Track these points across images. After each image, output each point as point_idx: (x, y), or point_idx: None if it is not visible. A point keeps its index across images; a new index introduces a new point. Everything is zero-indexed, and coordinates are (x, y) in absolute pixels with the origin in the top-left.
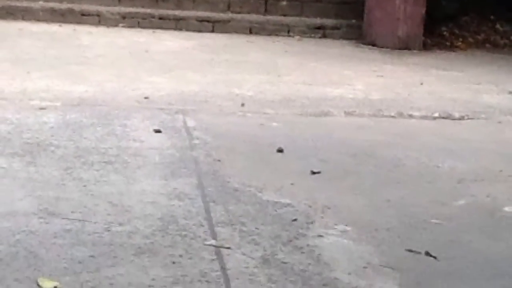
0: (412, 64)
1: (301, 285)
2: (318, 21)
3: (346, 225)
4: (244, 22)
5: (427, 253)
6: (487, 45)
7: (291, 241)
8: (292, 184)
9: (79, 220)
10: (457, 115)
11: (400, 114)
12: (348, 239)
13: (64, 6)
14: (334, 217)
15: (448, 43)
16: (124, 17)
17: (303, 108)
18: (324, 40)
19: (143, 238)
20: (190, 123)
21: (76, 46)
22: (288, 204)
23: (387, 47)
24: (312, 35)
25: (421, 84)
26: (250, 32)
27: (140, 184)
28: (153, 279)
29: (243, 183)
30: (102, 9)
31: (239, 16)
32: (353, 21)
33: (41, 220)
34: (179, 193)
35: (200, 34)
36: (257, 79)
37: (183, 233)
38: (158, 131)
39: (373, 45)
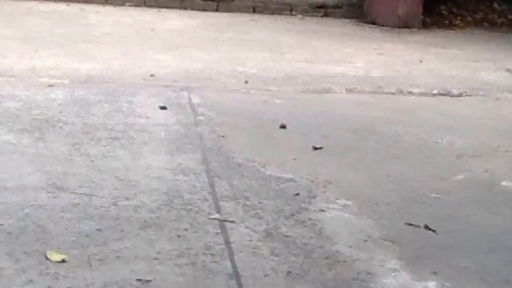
0: (412, 42)
1: (304, 258)
2: (320, 0)
3: (347, 200)
4: (248, 1)
5: (426, 227)
6: (485, 23)
7: (293, 215)
8: (294, 159)
9: (87, 195)
10: (455, 92)
11: (400, 91)
12: (349, 213)
13: None
14: (336, 191)
15: (446, 22)
16: None
17: (305, 85)
18: (325, 19)
19: (149, 212)
20: (195, 100)
21: (84, 25)
22: (291, 179)
23: (387, 26)
24: (314, 14)
25: (421, 61)
26: (254, 11)
27: (146, 159)
28: (158, 252)
29: (247, 159)
30: None
31: None
32: (354, 0)
33: (50, 194)
34: (184, 168)
35: (204, 13)
36: (260, 57)
37: (188, 207)
38: (163, 108)
39: (374, 23)
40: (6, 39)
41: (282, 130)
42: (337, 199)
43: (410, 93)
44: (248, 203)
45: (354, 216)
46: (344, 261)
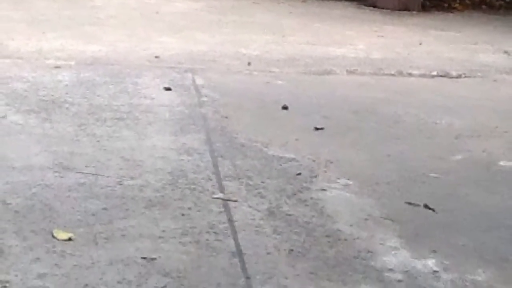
0: (412, 25)
1: (305, 236)
2: None
3: (348, 179)
4: None
5: (426, 206)
6: (483, 6)
7: (295, 194)
8: (296, 139)
9: (93, 174)
10: (454, 73)
11: (400, 73)
12: (350, 193)
13: None
14: (337, 171)
15: (446, 5)
16: None
17: (307, 67)
18: (327, 2)
19: (153, 191)
20: (199, 81)
21: (90, 8)
22: (293, 159)
23: (387, 9)
24: None
25: (420, 44)
26: None
27: (151, 139)
28: (163, 231)
29: (250, 139)
30: None
31: None
32: None
33: (56, 174)
34: (188, 148)
35: None
36: (263, 39)
37: (192, 186)
38: (168, 89)
39: (374, 6)
40: (14, 21)
41: (284, 111)
42: (338, 178)
43: (410, 74)
44: (251, 182)
45: (355, 195)
46: (345, 240)
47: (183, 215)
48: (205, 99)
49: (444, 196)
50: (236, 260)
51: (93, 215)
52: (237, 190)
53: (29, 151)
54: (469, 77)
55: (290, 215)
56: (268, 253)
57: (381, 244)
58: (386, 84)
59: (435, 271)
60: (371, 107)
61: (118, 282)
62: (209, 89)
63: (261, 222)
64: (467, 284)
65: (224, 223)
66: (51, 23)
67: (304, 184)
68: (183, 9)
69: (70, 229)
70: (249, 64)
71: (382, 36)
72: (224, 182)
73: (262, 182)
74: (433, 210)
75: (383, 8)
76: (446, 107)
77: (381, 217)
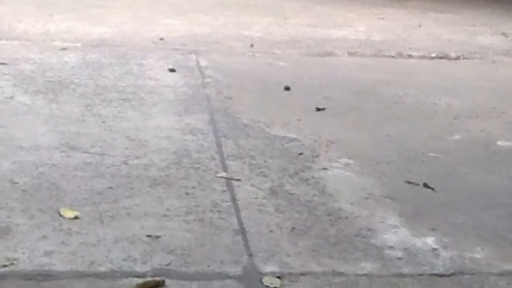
0: (411, 7)
1: (307, 214)
2: None
3: (349, 159)
4: None
5: (425, 185)
6: None
7: (297, 173)
8: (298, 120)
9: (99, 154)
10: (453, 55)
11: (400, 54)
12: (351, 172)
13: None
14: (338, 151)
15: None
16: None
17: (309, 49)
18: None
19: (158, 170)
20: (203, 62)
21: None
22: (295, 139)
23: None
24: None
25: (420, 26)
26: None
27: (156, 120)
28: (167, 209)
29: (252, 119)
30: None
31: None
32: None
33: (63, 153)
34: (192, 129)
35: None
36: (265, 21)
37: (196, 166)
38: (172, 70)
39: None
40: (22, 4)
41: (286, 91)
42: (339, 158)
43: (410, 56)
44: (253, 162)
45: (356, 175)
46: (346, 218)
47: (187, 194)
48: (208, 80)
49: (443, 175)
50: (239, 238)
51: (99, 194)
52: (240, 169)
53: (36, 131)
54: (467, 58)
55: (292, 194)
56: (271, 231)
57: (381, 222)
58: (386, 65)
59: (435, 249)
60: (372, 88)
61: (124, 260)
62: (213, 70)
63: (264, 200)
64: (465, 261)
65: (227, 201)
66: (58, 5)
67: (306, 164)
68: None
69: (77, 208)
70: (251, 46)
71: (382, 19)
72: (227, 162)
73: (265, 161)
74: (432, 189)
75: None
76: (445, 88)
77: (382, 196)
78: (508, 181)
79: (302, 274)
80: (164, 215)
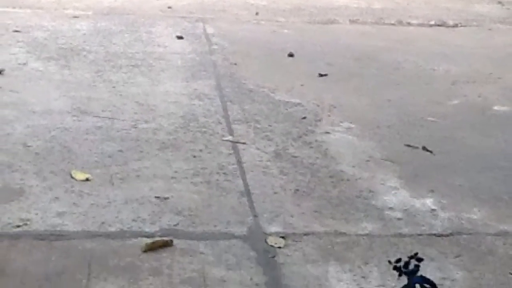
0: None
1: (310, 177)
2: None
3: (351, 123)
4: None
5: (424, 148)
6: None
7: (300, 137)
8: (301, 85)
9: (109, 118)
10: (451, 22)
11: (400, 22)
12: (352, 135)
13: None
14: (340, 115)
15: None
16: None
17: (312, 17)
18: None
19: (166, 134)
20: (209, 30)
21: None
22: (298, 104)
23: None
24: None
25: None
26: None
27: (164, 85)
28: (175, 172)
29: (257, 85)
30: None
31: None
32: None
33: (75, 118)
34: (199, 94)
35: None
36: None
37: (203, 129)
38: (180, 38)
39: None
40: None
41: (290, 58)
42: (341, 122)
43: (409, 24)
44: (258, 126)
45: (357, 138)
46: (348, 180)
47: (194, 156)
48: (215, 47)
49: (441, 139)
50: (244, 199)
51: (109, 156)
52: (246, 133)
53: (48, 96)
54: (465, 26)
55: (295, 156)
56: (275, 193)
57: (381, 184)
58: (386, 33)
59: (433, 210)
60: (372, 55)
61: (133, 220)
62: (219, 37)
63: (268, 163)
64: (463, 222)
65: (233, 164)
66: None
67: (309, 128)
68: None
69: (88, 170)
70: (256, 14)
71: None
72: (233, 126)
73: (269, 125)
74: (431, 152)
75: None
76: (443, 55)
77: (382, 159)
78: (504, 144)
79: (305, 234)
80: (172, 177)
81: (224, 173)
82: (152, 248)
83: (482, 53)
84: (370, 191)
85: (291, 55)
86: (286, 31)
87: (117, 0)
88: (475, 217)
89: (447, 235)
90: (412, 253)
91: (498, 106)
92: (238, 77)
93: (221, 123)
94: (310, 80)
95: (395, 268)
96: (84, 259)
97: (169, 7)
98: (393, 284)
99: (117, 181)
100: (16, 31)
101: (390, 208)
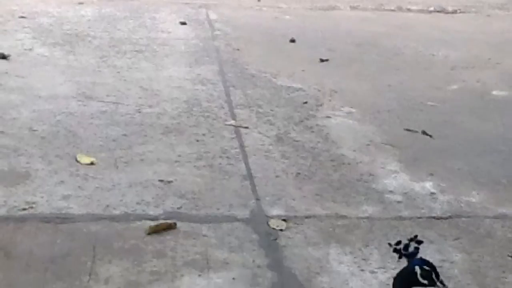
0: None
1: (311, 160)
2: None
3: (351, 107)
4: None
5: (424, 132)
6: None
7: (302, 121)
8: (303, 70)
9: (113, 103)
10: (450, 9)
11: (400, 8)
12: (353, 120)
13: None
14: (341, 100)
15: None
16: None
17: (313, 3)
18: None
19: (170, 118)
20: (212, 16)
21: None
22: (300, 89)
23: None
24: None
25: None
26: None
27: (168, 70)
28: (179, 155)
29: (260, 70)
30: None
31: None
32: None
33: (80, 102)
34: (203, 79)
35: None
36: None
37: (206, 114)
38: (183, 23)
39: None
40: None
41: (292, 44)
42: (342, 106)
43: (409, 10)
44: (260, 110)
45: (358, 122)
46: (349, 164)
47: (197, 140)
48: (218, 33)
49: (440, 123)
50: (247, 182)
51: (114, 141)
52: (248, 118)
53: (54, 81)
54: (464, 12)
55: (297, 141)
56: (277, 176)
57: (382, 168)
58: (386, 19)
59: (432, 193)
60: (373, 40)
61: (137, 203)
62: (222, 23)
63: (270, 147)
64: (462, 205)
65: (235, 148)
66: None
67: (310, 112)
68: None
69: (93, 154)
70: (259, 0)
71: None
72: (235, 110)
73: (271, 110)
74: (430, 136)
75: None
76: (443, 40)
77: (382, 143)
78: (503, 128)
79: (306, 217)
80: (176, 161)
81: (226, 157)
82: (156, 230)
83: (480, 38)
84: (371, 174)
85: (292, 40)
86: (287, 17)
87: None
88: (474, 200)
89: (446, 218)
90: (412, 236)
91: (496, 91)
92: (241, 62)
93: (224, 108)
94: (311, 65)
95: (395, 250)
96: (89, 241)
97: None
98: (393, 266)
99: (122, 164)
100: (22, 17)
101: (390, 192)
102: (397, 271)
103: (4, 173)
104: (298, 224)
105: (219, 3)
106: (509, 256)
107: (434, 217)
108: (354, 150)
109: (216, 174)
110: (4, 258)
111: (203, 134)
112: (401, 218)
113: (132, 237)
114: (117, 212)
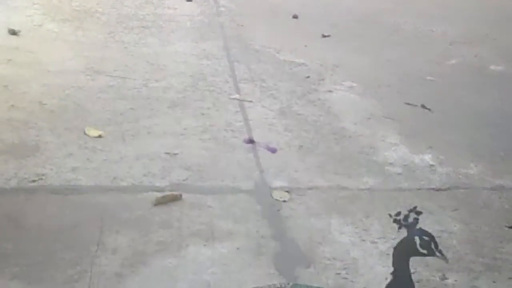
0: None
1: (314, 133)
2: None
3: (353, 82)
4: None
5: (423, 106)
6: None
7: (304, 95)
8: (305, 46)
9: (121, 77)
10: None
11: None
12: (354, 94)
13: None
14: (342, 74)
15: None
16: None
17: None
18: None
19: (176, 93)
20: None
21: None
22: (302, 63)
23: None
24: None
25: None
26: None
27: (174, 46)
28: (185, 129)
29: (263, 45)
30: None
31: None
32: None
33: (88, 77)
34: (208, 54)
35: None
36: None
37: (211, 88)
38: (189, 0)
39: None
40: None
41: (295, 20)
42: (344, 81)
43: None
44: (264, 84)
45: (359, 96)
46: (350, 137)
47: (203, 114)
48: (222, 9)
49: (439, 97)
50: (251, 155)
51: (121, 114)
52: (252, 92)
53: (63, 56)
54: None
55: (300, 114)
56: (280, 149)
57: (382, 140)
58: None
59: (432, 165)
60: (374, 17)
61: (144, 175)
62: (226, 0)
63: (274, 120)
64: (460, 177)
65: (240, 121)
66: None
67: (313, 86)
68: None
69: (101, 127)
70: None
71: None
72: (240, 85)
73: (275, 84)
74: (429, 110)
75: None
76: (441, 17)
77: (383, 116)
78: (500, 102)
79: (309, 189)
80: (182, 134)
81: (231, 130)
82: (162, 202)
83: (478, 15)
84: (371, 147)
85: (295, 17)
86: None
87: None
88: (472, 172)
89: (445, 190)
90: (412, 207)
91: (494, 65)
92: (245, 38)
93: (228, 82)
94: (313, 41)
95: (395, 221)
96: (97, 212)
97: None
98: (393, 236)
99: (129, 137)
100: None
101: (391, 164)
102: (397, 241)
103: (15, 145)
104: (301, 195)
105: None
106: (506, 227)
107: (433, 189)
108: (355, 124)
109: (221, 147)
110: (15, 228)
111: (208, 108)
112: (401, 190)
113: (139, 208)
114: (124, 183)
